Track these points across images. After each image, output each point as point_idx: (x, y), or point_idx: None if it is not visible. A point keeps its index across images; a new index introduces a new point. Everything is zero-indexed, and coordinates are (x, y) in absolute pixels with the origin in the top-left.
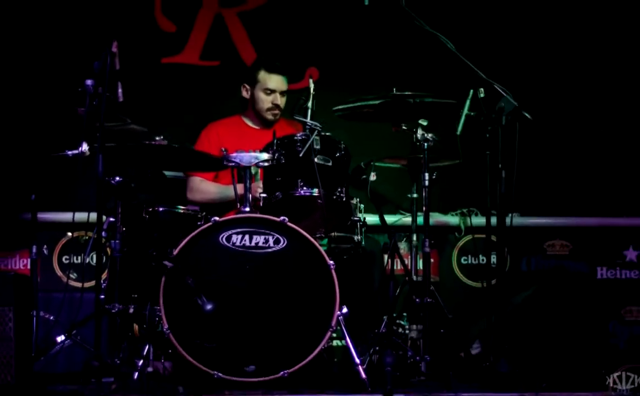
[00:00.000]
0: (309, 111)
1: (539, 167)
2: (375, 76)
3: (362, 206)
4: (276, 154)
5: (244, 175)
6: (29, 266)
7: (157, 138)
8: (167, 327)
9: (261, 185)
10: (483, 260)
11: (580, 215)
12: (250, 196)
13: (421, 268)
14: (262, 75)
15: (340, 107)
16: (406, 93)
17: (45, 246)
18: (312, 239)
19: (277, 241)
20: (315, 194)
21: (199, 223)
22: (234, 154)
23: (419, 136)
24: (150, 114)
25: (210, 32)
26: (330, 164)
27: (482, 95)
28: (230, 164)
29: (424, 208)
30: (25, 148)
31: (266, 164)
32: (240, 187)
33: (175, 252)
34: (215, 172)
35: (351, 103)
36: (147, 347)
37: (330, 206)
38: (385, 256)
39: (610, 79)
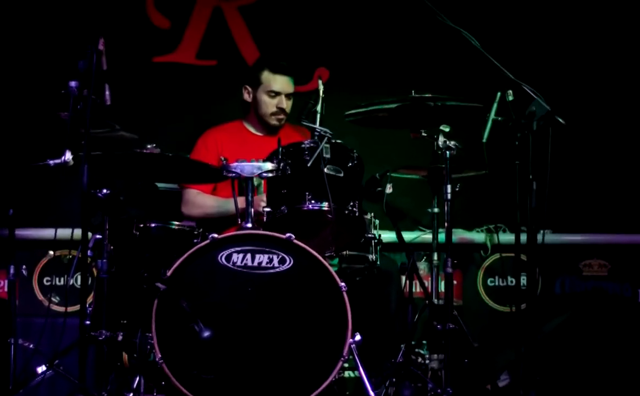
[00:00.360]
0: (318, 116)
1: (574, 179)
2: (392, 77)
3: (377, 221)
4: (281, 164)
5: (245, 187)
6: (6, 289)
7: (149, 146)
8: (159, 356)
9: (265, 198)
10: (512, 282)
11: (620, 232)
12: (253, 210)
13: (443, 290)
14: (266, 76)
15: (352, 111)
16: (426, 95)
17: (24, 267)
18: (321, 259)
19: (282, 261)
20: (325, 208)
21: (195, 241)
22: (235, 164)
23: (440, 143)
24: (141, 119)
25: (208, 28)
26: (341, 175)
27: (510, 98)
28: (230, 174)
29: (445, 224)
30: (2, 157)
31: (270, 175)
32: (241, 201)
33: (169, 273)
34: (214, 184)
35: (365, 107)
36: (137, 379)
37: (341, 222)
38: (403, 278)
39: None
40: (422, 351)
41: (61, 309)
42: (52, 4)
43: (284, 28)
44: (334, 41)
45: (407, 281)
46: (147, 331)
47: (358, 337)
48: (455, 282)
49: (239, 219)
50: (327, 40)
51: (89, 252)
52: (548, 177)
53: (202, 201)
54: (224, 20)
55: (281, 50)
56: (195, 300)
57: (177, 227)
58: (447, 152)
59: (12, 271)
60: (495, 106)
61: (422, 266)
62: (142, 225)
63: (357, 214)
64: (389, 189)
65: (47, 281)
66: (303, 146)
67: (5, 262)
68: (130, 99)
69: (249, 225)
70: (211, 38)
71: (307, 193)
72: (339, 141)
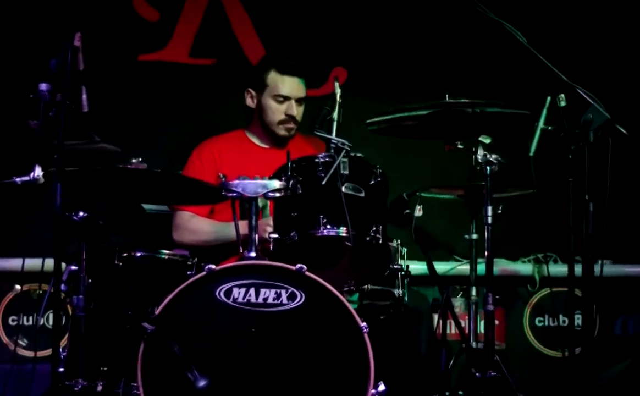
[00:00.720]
0: (335, 124)
1: (638, 199)
2: (421, 79)
3: (404, 250)
4: (291, 182)
5: (248, 209)
6: None
7: (134, 161)
8: None
9: (271, 222)
10: (564, 321)
11: None
12: (257, 236)
13: (482, 331)
14: (273, 77)
15: (375, 119)
16: (463, 101)
17: None
18: (338, 294)
19: (292, 297)
20: (343, 234)
21: (188, 273)
22: (236, 182)
23: (479, 157)
24: (125, 129)
25: (204, 21)
26: (362, 194)
27: (562, 103)
28: (231, 194)
29: (486, 253)
30: None
31: (278, 194)
32: (243, 226)
33: (158, 311)
34: (211, 206)
35: (390, 114)
36: None
37: (362, 250)
38: (435, 316)
39: None
40: None
41: (30, 354)
42: None
43: (294, 21)
44: (353, 36)
45: (440, 321)
46: (131, 381)
47: (382, 387)
48: (497, 322)
49: (241, 248)
50: (344, 35)
51: (62, 286)
52: (607, 198)
53: (196, 225)
54: (223, 12)
55: (291, 47)
56: (188, 343)
57: (167, 256)
58: (488, 167)
59: None
60: (544, 112)
61: (458, 302)
62: (125, 254)
63: (380, 242)
64: (418, 211)
65: (12, 320)
66: (317, 160)
67: None
68: (112, 104)
69: (253, 254)
70: (207, 33)
71: (321, 216)
72: (359, 155)
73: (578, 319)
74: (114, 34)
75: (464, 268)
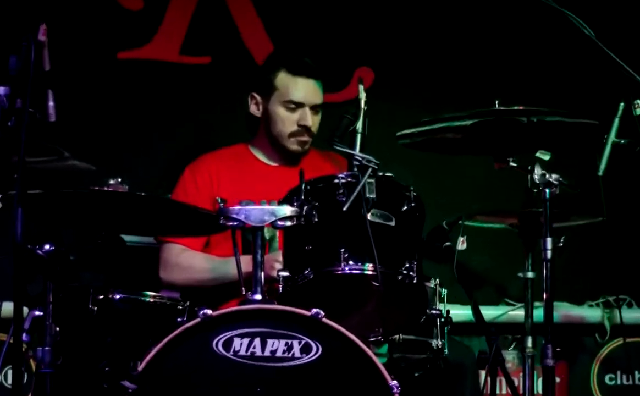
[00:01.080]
0: (359, 137)
1: None
2: (465, 81)
3: (444, 291)
4: (305, 208)
5: (252, 241)
6: None
7: (112, 181)
8: None
9: (281, 258)
10: None
11: None
12: (263, 275)
13: (540, 391)
14: (283, 79)
15: (408, 131)
16: (516, 108)
17: None
18: (362, 346)
19: (306, 349)
20: (369, 271)
21: (179, 319)
22: (237, 208)
23: (536, 177)
24: (101, 142)
25: (198, 10)
26: (392, 223)
27: (639, 111)
28: (231, 223)
29: (544, 295)
30: None
31: (289, 223)
32: (246, 262)
33: (141, 366)
34: (207, 237)
35: (428, 124)
36: None
37: (392, 292)
38: (482, 373)
39: None
40: None
41: None
42: None
43: (309, 11)
44: (380, 30)
45: (489, 378)
46: None
47: None
48: (558, 379)
49: (243, 289)
50: (370, 28)
51: (24, 336)
52: None
53: (189, 261)
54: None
55: (305, 43)
56: None
57: (152, 299)
58: (547, 190)
59: None
60: (616, 122)
61: (510, 356)
62: (101, 297)
63: (415, 281)
64: (461, 244)
65: None
66: (336, 181)
67: None
68: (85, 113)
69: (258, 297)
70: (202, 25)
71: (342, 250)
72: (388, 174)
73: None
74: (87, 27)
75: (517, 313)
